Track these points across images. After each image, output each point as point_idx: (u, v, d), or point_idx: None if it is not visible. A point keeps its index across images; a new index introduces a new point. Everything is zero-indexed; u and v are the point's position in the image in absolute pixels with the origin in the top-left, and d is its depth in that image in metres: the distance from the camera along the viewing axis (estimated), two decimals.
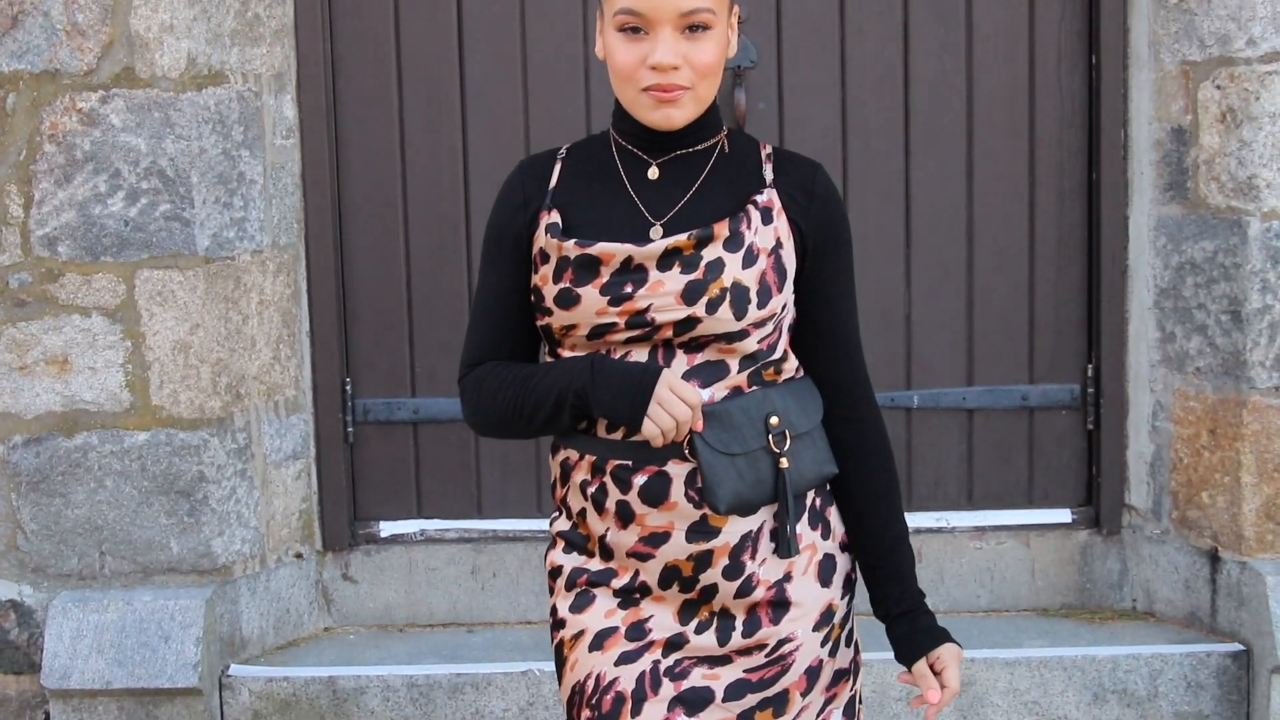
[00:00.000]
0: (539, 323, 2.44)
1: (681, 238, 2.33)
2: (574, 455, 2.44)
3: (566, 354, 2.42)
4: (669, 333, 2.34)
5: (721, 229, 2.34)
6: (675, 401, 2.27)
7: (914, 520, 4.58)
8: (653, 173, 2.43)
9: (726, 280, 2.32)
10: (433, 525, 4.73)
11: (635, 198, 2.42)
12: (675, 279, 2.32)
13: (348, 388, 4.65)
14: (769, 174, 2.44)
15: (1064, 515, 4.73)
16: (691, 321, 2.32)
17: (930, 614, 2.54)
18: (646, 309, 2.32)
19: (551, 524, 2.57)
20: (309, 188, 4.55)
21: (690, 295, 2.32)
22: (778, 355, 2.42)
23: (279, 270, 4.46)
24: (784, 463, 2.37)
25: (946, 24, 4.55)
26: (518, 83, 4.58)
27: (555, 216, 2.41)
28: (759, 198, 2.40)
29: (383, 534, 4.73)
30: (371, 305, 4.66)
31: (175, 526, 4.32)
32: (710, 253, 2.33)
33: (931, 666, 2.48)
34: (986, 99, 4.58)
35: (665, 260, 2.33)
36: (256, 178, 4.35)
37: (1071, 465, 4.73)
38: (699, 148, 2.45)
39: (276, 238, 4.45)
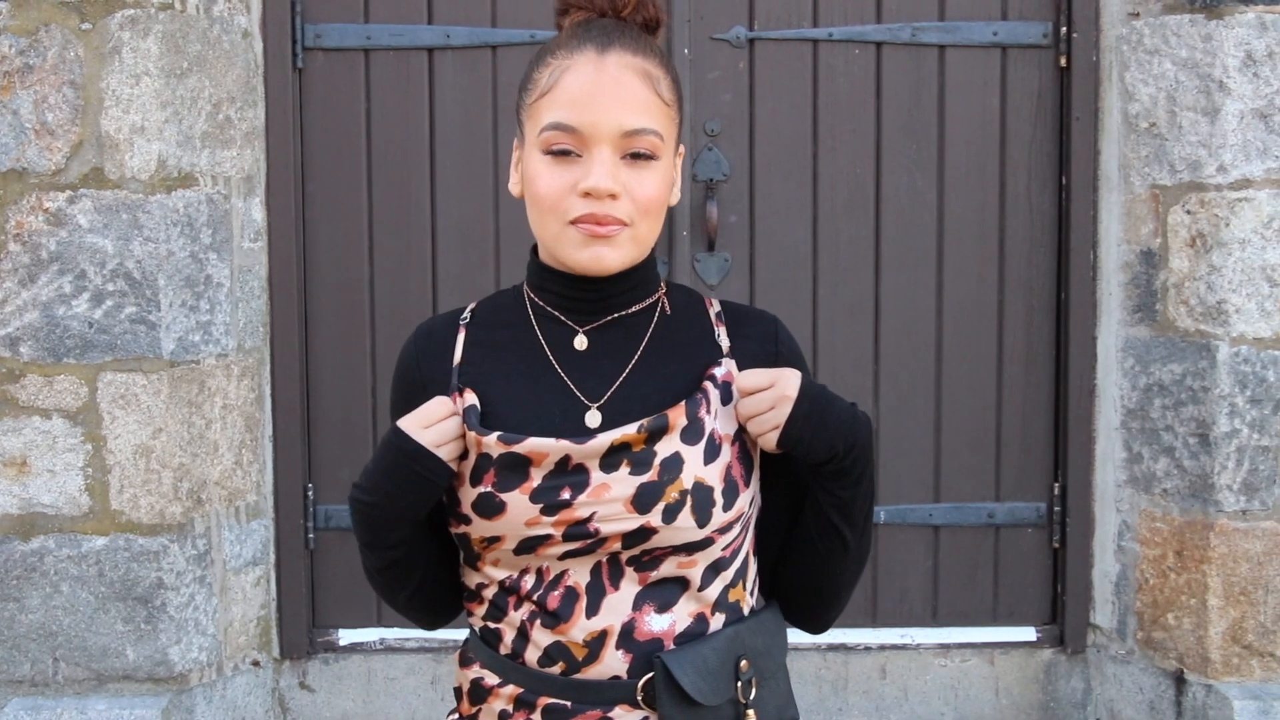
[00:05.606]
0: (453, 530, 2.01)
1: (630, 430, 1.90)
2: (491, 679, 2.01)
3: (487, 570, 2.00)
4: (616, 545, 1.91)
5: (678, 416, 1.92)
6: (432, 430, 1.93)
7: (879, 636, 4.59)
8: (580, 342, 2.02)
9: (686, 480, 1.90)
10: (393, 634, 4.66)
11: (563, 375, 2.00)
12: (624, 481, 1.89)
13: (310, 493, 4.60)
14: (724, 339, 2.05)
15: (1029, 633, 4.71)
16: (645, 533, 1.90)
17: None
18: (589, 518, 1.90)
19: None
20: (275, 291, 4.51)
21: (643, 501, 1.89)
22: (740, 562, 2.02)
23: (243, 374, 4.41)
24: (751, 716, 1.97)
25: (918, 142, 4.57)
26: (488, 188, 4.56)
27: (471, 398, 1.98)
28: (718, 371, 1.99)
29: (342, 642, 4.66)
30: (335, 410, 4.62)
31: (132, 634, 4.24)
32: (665, 447, 1.91)
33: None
34: (957, 217, 4.59)
35: (610, 458, 1.90)
36: (223, 281, 4.31)
37: (1037, 583, 4.72)
38: (635, 309, 2.04)
39: (242, 341, 4.40)
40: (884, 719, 4.65)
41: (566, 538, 1.91)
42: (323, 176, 4.57)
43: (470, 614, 2.08)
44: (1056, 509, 4.66)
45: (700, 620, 1.96)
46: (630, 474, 1.89)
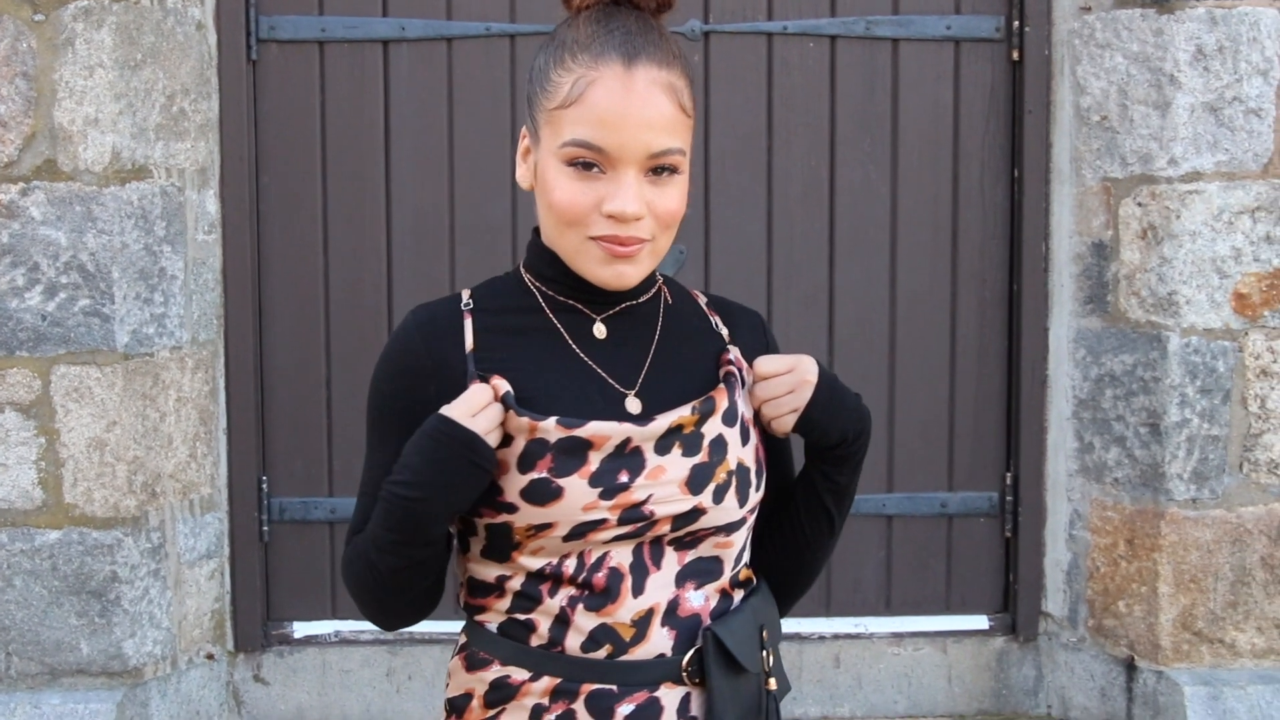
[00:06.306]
0: (485, 520, 1.94)
1: (685, 412, 1.92)
2: (520, 674, 1.95)
3: (521, 560, 1.93)
4: (666, 528, 1.91)
5: (721, 399, 1.95)
6: (479, 418, 1.87)
7: (833, 625, 4.61)
8: (599, 330, 1.99)
9: (732, 462, 1.94)
10: (347, 626, 4.66)
11: (590, 363, 1.97)
12: (678, 463, 1.90)
13: (264, 486, 4.59)
14: (722, 328, 2.09)
15: (981, 622, 4.75)
16: (696, 514, 1.91)
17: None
18: (645, 501, 1.89)
19: None
20: (229, 284, 4.50)
21: (696, 482, 1.91)
22: (749, 540, 2.06)
23: (197, 367, 4.39)
24: (772, 684, 2.00)
25: (872, 135, 4.59)
26: (443, 182, 4.55)
27: (505, 385, 1.91)
28: (730, 358, 2.03)
29: (296, 635, 4.65)
30: (290, 403, 4.61)
31: (86, 627, 4.22)
32: (711, 428, 1.93)
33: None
34: (910, 210, 4.62)
35: (663, 441, 1.91)
36: (178, 273, 4.29)
37: (989, 572, 4.76)
38: (643, 299, 2.04)
39: (196, 334, 4.39)
40: (838, 708, 4.68)
41: (621, 521, 1.89)
42: (277, 169, 4.55)
43: (482, 610, 2.01)
44: (1009, 498, 4.70)
45: (725, 596, 1.99)
46: (683, 456, 1.91)
